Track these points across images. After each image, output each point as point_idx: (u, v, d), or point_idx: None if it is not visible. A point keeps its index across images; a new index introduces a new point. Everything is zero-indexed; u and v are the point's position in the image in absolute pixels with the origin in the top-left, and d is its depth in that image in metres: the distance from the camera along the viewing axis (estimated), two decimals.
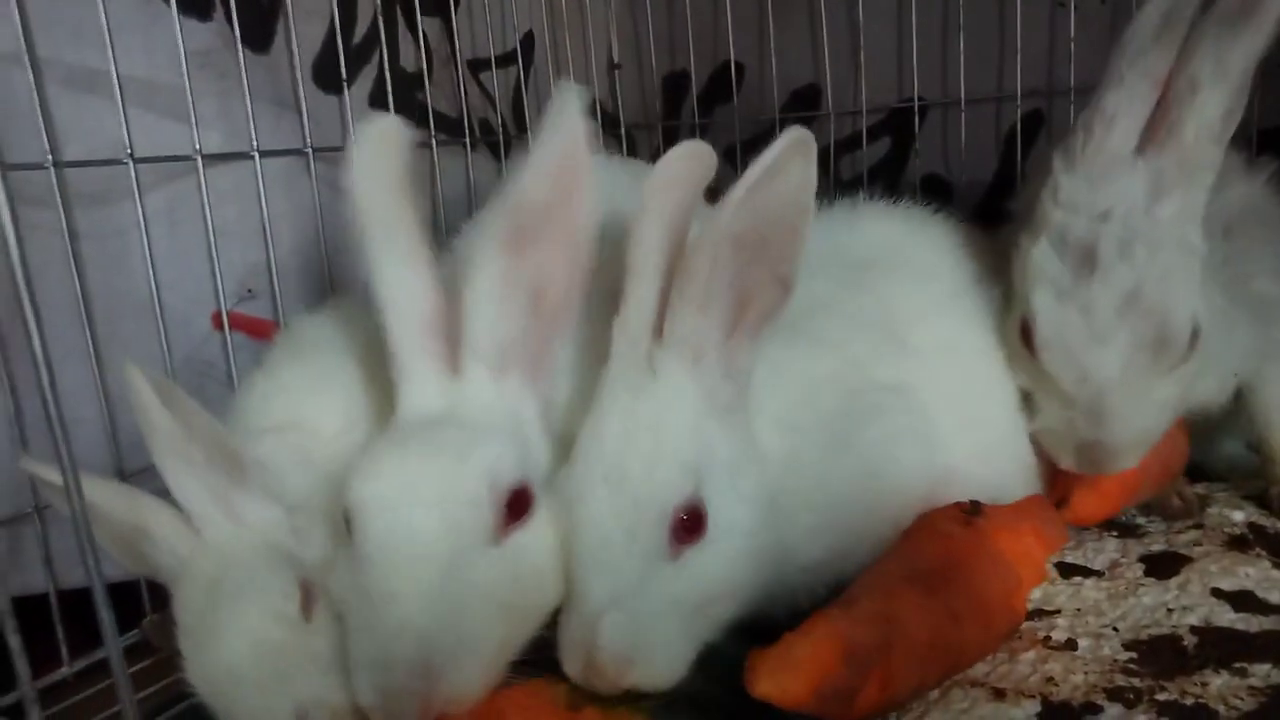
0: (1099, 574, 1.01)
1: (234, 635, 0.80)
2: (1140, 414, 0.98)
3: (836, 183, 1.87)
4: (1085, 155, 0.97)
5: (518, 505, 0.79)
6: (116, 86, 1.11)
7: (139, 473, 1.09)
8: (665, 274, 0.81)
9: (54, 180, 1.08)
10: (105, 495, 0.85)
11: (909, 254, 1.06)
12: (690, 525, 0.77)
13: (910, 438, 0.96)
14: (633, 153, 1.99)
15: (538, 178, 0.81)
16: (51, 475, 0.82)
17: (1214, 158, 0.96)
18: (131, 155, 1.14)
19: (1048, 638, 0.88)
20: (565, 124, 0.80)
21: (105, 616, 0.75)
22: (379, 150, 0.83)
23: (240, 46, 1.25)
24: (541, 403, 0.87)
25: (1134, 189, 0.95)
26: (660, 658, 0.76)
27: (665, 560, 0.77)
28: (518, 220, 0.81)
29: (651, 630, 0.76)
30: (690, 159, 0.81)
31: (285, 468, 0.90)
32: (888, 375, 0.96)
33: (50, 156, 1.07)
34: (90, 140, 1.15)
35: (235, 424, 0.94)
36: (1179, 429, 1.14)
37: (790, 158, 0.76)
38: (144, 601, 1.15)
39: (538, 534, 0.80)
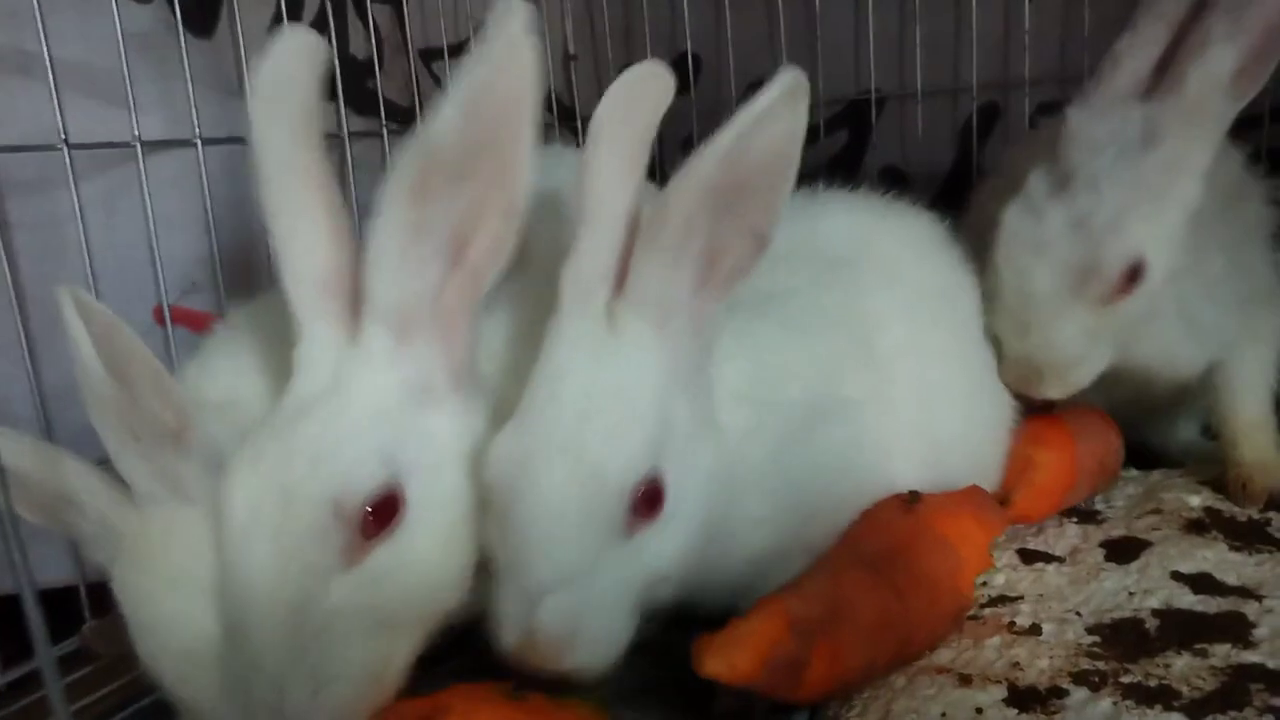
0: (1060, 560, 1.01)
1: (193, 625, 0.74)
2: (1063, 335, 1.02)
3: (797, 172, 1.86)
4: (1094, 94, 1.01)
5: (381, 516, 0.71)
6: (50, 70, 1.06)
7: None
8: (622, 214, 0.74)
9: None
10: (25, 456, 0.76)
11: (879, 251, 1.03)
12: (649, 502, 0.72)
13: (865, 450, 0.93)
14: None
15: (462, 111, 0.69)
16: None
17: (1219, 115, 0.99)
18: (66, 141, 1.09)
19: (1012, 623, 0.88)
20: (502, 46, 0.68)
21: (37, 623, 0.69)
22: (282, 81, 0.73)
23: (182, 30, 1.20)
24: (454, 369, 0.77)
25: (1129, 130, 0.99)
26: (601, 642, 0.71)
27: (619, 539, 0.71)
28: (433, 161, 0.70)
29: (596, 614, 0.71)
30: (646, 79, 0.74)
31: (226, 442, 0.83)
32: (851, 383, 0.93)
33: None
34: (24, 126, 1.10)
35: None
36: (1113, 430, 1.16)
37: (784, 104, 0.69)
38: (83, 607, 1.10)
39: (409, 542, 0.73)
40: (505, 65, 0.69)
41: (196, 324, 1.24)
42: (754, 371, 0.85)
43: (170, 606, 0.76)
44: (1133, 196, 0.98)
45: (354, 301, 0.75)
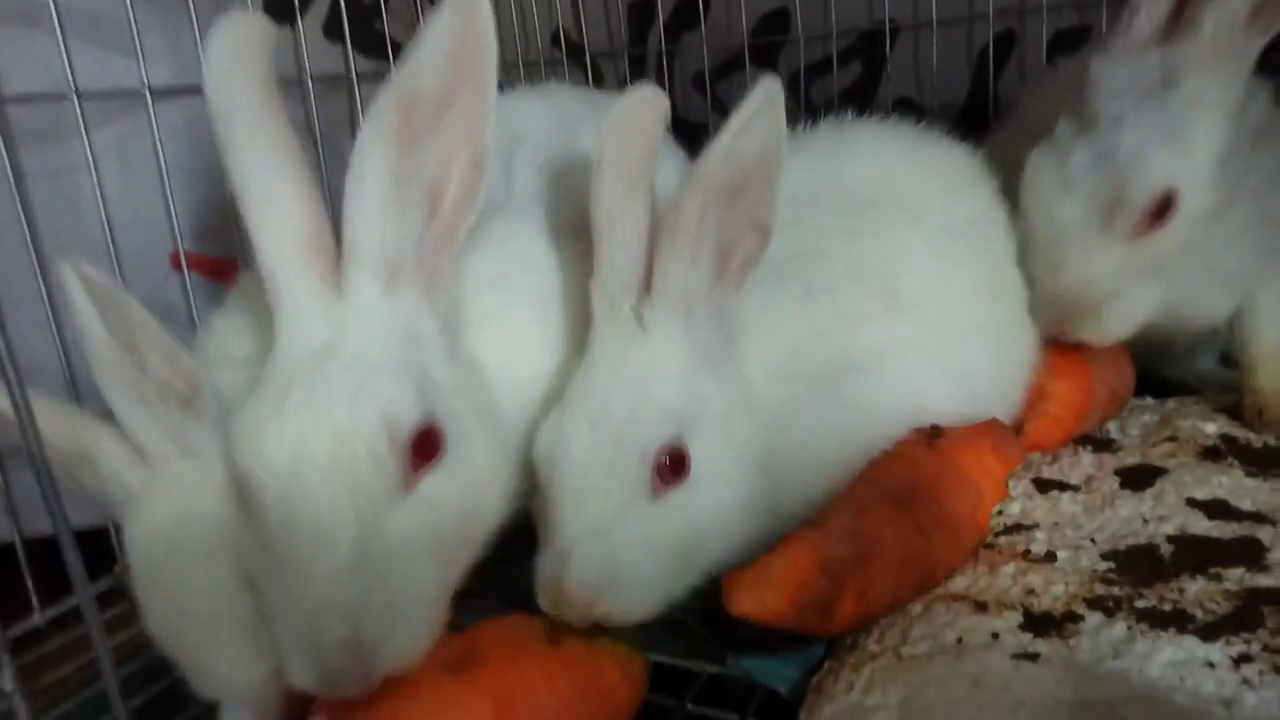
0: (1075, 488, 1.02)
1: (201, 590, 0.75)
2: (1094, 269, 1.03)
3: (807, 108, 1.83)
4: (1114, 42, 1.02)
5: (425, 446, 0.73)
6: (56, 19, 1.06)
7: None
8: (635, 226, 0.81)
9: None
10: (46, 416, 0.74)
11: (906, 188, 1.04)
12: (673, 467, 0.77)
13: (897, 396, 0.95)
14: (598, 81, 1.95)
15: (433, 57, 0.71)
16: None
17: (1240, 52, 1.00)
18: (76, 91, 1.09)
19: (1027, 551, 0.89)
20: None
21: (73, 561, 0.71)
22: (236, 44, 0.74)
23: None
24: (440, 318, 0.79)
25: (1149, 73, 1.00)
26: (632, 589, 0.76)
27: (646, 499, 0.77)
28: (411, 107, 0.72)
29: (625, 562, 0.76)
30: (642, 105, 0.80)
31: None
32: (875, 333, 0.95)
33: None
34: (33, 76, 1.10)
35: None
36: (1125, 358, 1.16)
37: (765, 109, 0.76)
38: (115, 547, 1.12)
39: (454, 468, 0.74)
40: (470, 15, 0.72)
41: (212, 270, 1.25)
42: (786, 350, 0.88)
43: (176, 562, 0.76)
44: (1156, 133, 0.99)
45: (333, 258, 0.75)
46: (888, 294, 0.97)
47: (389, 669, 0.69)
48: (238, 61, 0.74)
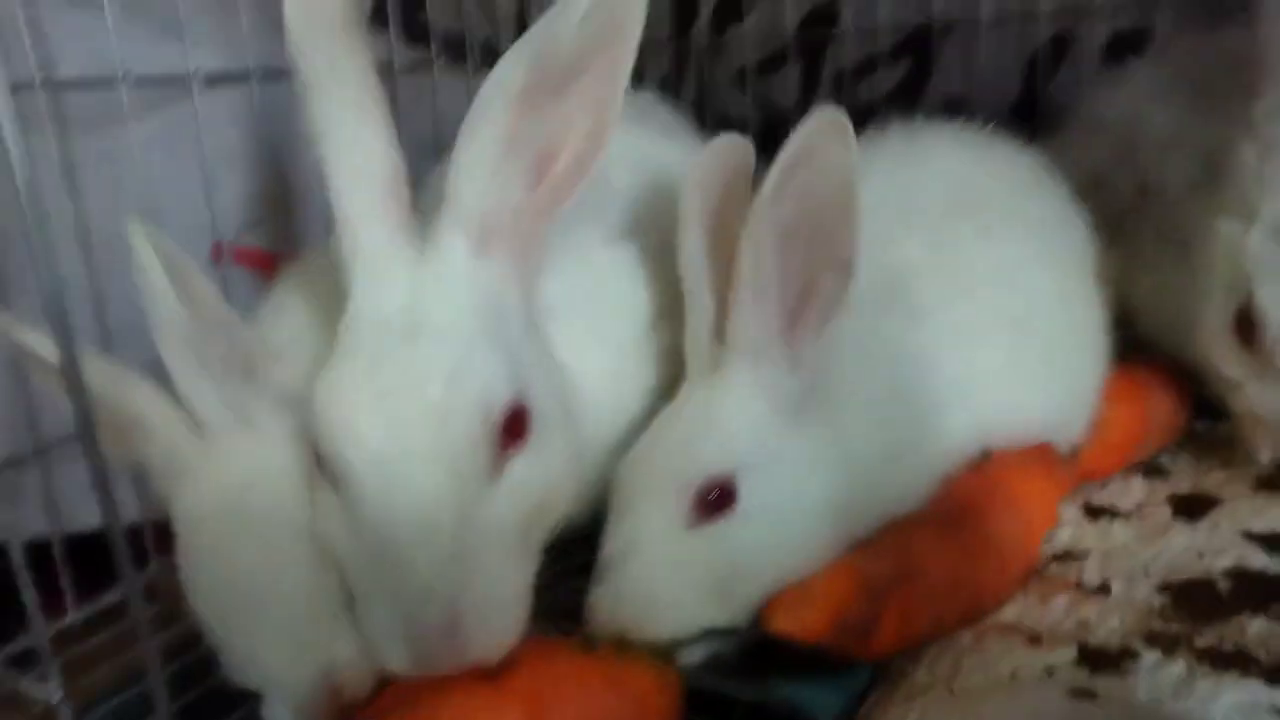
0: (1126, 515, 1.00)
1: (256, 571, 0.73)
2: None
3: (852, 108, 1.80)
4: None
5: (514, 426, 0.71)
6: (106, 4, 1.05)
7: None
8: (719, 274, 0.81)
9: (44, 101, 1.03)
10: (97, 376, 0.73)
11: (989, 195, 0.99)
12: (718, 501, 0.77)
13: (992, 421, 0.91)
14: (640, 73, 1.92)
15: (573, 20, 0.68)
16: (44, 348, 0.73)
17: None
18: (125, 76, 1.08)
19: (1079, 582, 0.87)
20: None
21: (122, 551, 0.68)
22: None
23: None
24: (527, 288, 0.77)
25: None
26: (657, 609, 0.76)
27: (685, 528, 0.77)
28: (541, 68, 0.69)
29: (651, 583, 0.76)
30: (723, 153, 0.80)
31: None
32: (983, 352, 0.90)
33: (41, 75, 1.02)
34: (81, 61, 1.09)
35: None
36: (1181, 383, 1.13)
37: (821, 138, 0.73)
38: (148, 548, 1.12)
39: (539, 452, 0.73)
40: None
41: (256, 262, 1.24)
42: (887, 393, 0.85)
43: (230, 538, 0.74)
44: None
45: (411, 211, 0.74)
46: (994, 310, 0.92)
47: (485, 655, 0.68)
48: None
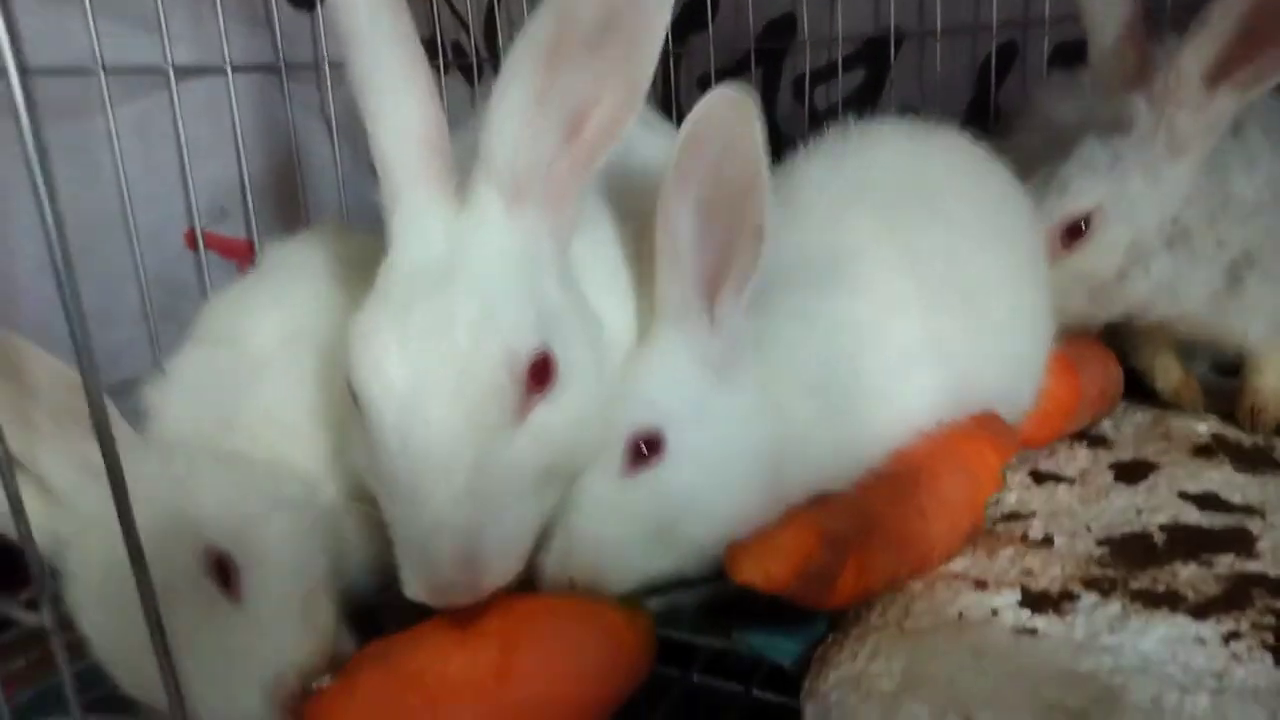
0: (1071, 480, 1.04)
1: (171, 624, 0.62)
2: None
3: (811, 113, 1.86)
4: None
5: (539, 374, 0.73)
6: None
7: (119, 386, 1.07)
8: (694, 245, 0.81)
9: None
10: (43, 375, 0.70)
11: (942, 184, 1.03)
12: (648, 450, 0.79)
13: (931, 392, 0.93)
14: None
15: None
16: None
17: (1204, 108, 1.07)
18: (102, 66, 1.10)
19: (1025, 536, 0.92)
20: None
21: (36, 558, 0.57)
22: None
23: None
24: (560, 243, 0.78)
25: (1107, 114, 1.14)
26: (602, 556, 0.79)
27: (621, 478, 0.80)
28: (568, 26, 0.70)
29: (593, 530, 0.79)
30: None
31: (201, 383, 0.84)
32: (921, 326, 0.93)
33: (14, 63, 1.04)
34: (59, 51, 1.12)
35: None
36: (1112, 360, 1.19)
37: (717, 116, 0.74)
38: None
39: (563, 399, 0.74)
40: None
41: (228, 250, 1.27)
42: (822, 361, 0.87)
43: (138, 623, 0.62)
44: (1088, 166, 1.15)
45: (451, 164, 0.75)
46: (942, 287, 0.95)
47: (495, 584, 0.71)
48: None
